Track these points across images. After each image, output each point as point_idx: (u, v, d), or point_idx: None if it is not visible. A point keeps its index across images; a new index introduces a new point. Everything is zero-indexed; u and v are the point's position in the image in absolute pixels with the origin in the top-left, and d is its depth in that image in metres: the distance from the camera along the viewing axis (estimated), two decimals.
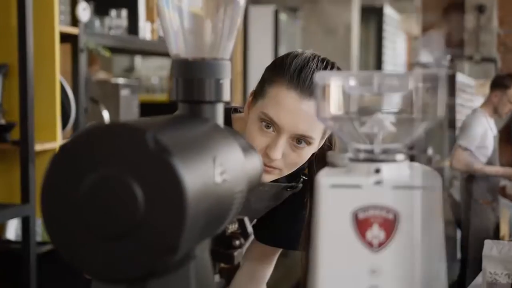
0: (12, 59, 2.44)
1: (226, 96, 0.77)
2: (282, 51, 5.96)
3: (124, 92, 3.05)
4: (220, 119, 0.76)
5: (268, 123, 1.20)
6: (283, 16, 6.11)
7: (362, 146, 0.65)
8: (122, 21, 3.09)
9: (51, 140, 2.51)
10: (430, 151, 6.46)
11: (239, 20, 0.77)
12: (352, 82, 0.65)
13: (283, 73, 1.21)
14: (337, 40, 6.25)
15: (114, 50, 3.19)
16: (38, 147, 2.42)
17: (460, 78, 7.07)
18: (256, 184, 0.82)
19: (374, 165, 0.63)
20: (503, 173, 4.18)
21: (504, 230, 6.58)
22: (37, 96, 2.45)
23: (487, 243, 1.74)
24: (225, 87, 0.76)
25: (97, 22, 2.98)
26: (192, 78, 0.75)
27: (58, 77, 2.51)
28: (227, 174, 0.66)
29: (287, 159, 1.22)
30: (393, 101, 0.66)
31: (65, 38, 2.66)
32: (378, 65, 7.51)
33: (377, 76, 0.64)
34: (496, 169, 4.15)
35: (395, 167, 0.63)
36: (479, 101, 8.29)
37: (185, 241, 0.57)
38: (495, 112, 4.14)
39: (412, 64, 9.24)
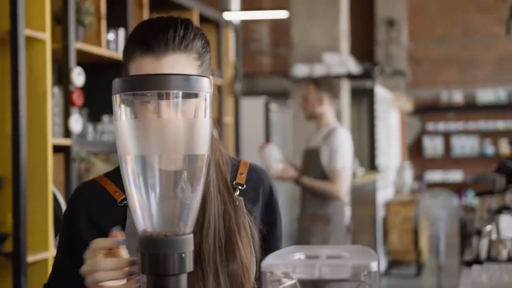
0: (6, 172, 2.53)
1: (190, 267, 0.84)
2: (274, 139, 6.10)
3: None
4: None
5: None
6: (273, 107, 6.27)
7: None
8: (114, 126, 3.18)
9: (43, 250, 2.56)
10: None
11: (198, 200, 0.85)
12: (296, 269, 0.72)
13: (136, 42, 1.15)
14: None
15: (108, 153, 3.29)
16: (30, 258, 2.47)
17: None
18: None
19: None
20: (317, 186, 3.66)
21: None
22: (30, 207, 2.52)
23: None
24: (187, 259, 0.84)
25: (90, 128, 3.09)
26: (157, 254, 0.82)
27: (51, 188, 2.58)
28: None
29: None
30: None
31: (58, 148, 2.75)
32: (371, 143, 7.58)
33: (319, 263, 0.71)
34: (311, 181, 3.68)
35: None
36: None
37: None
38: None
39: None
